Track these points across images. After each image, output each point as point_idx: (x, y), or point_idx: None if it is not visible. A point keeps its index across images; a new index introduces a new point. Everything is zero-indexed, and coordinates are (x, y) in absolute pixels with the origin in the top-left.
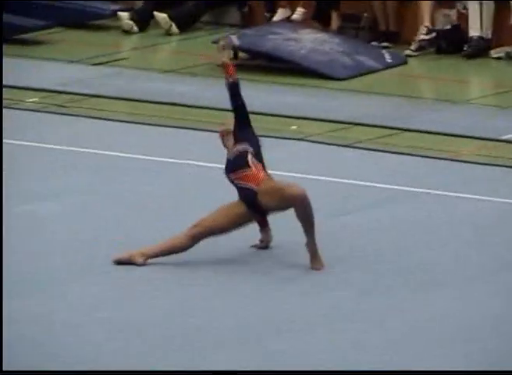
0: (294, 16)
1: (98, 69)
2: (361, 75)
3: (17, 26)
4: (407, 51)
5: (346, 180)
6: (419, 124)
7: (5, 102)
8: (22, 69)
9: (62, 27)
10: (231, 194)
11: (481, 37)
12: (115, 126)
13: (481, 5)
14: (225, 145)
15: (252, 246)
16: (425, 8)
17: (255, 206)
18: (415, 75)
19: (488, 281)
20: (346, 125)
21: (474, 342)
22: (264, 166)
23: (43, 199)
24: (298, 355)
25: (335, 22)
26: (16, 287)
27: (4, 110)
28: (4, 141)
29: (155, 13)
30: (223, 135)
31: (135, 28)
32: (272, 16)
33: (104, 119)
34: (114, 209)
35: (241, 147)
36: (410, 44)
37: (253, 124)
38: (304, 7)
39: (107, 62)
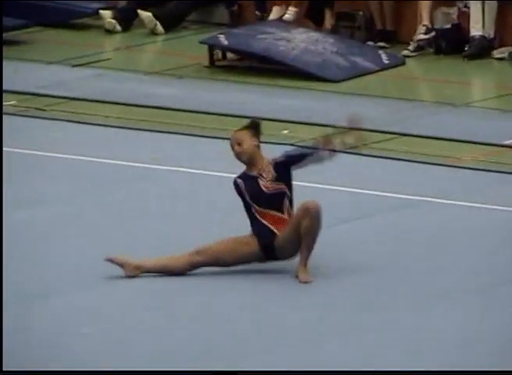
0: (286, 16)
1: (79, 71)
2: (356, 77)
3: None
4: (405, 52)
5: (342, 188)
6: (418, 129)
7: None
8: None
9: (41, 26)
10: (226, 202)
11: (483, 37)
12: (98, 130)
13: (483, 3)
14: (240, 155)
15: None
16: (424, 6)
17: (269, 249)
18: (413, 76)
19: (495, 293)
20: (341, 129)
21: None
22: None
23: (19, 207)
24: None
25: (329, 21)
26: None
27: None
28: None
29: (139, 12)
30: (246, 146)
31: (118, 27)
32: (264, 15)
33: (86, 123)
34: (99, 219)
35: (279, 186)
36: (408, 44)
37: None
38: (295, 6)
39: (88, 64)
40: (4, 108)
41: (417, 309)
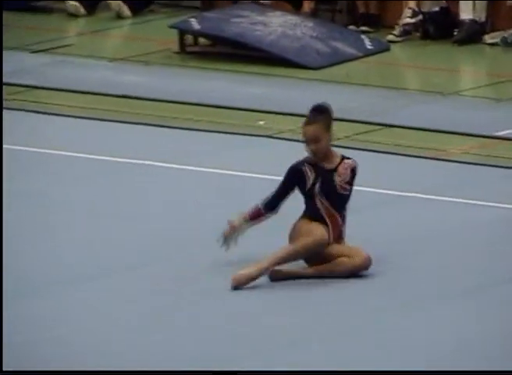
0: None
1: (40, 57)
2: (338, 63)
3: None
4: (390, 37)
5: None
6: (404, 119)
7: None
8: None
9: None
10: (194, 197)
11: (473, 21)
12: (63, 121)
13: None
14: (317, 152)
15: None
16: None
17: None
18: (399, 63)
19: (492, 292)
20: None
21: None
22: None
23: None
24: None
25: (308, 3)
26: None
27: None
28: None
29: None
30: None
31: (82, 11)
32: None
33: (50, 113)
34: (67, 217)
35: (348, 189)
36: (393, 28)
37: (214, 119)
38: None
39: (50, 50)
40: None
41: (411, 309)
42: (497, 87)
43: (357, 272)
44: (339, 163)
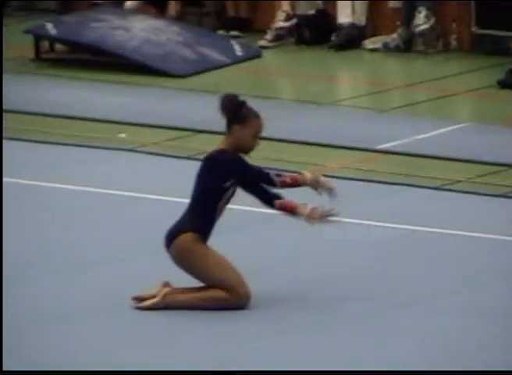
0: (127, 3)
1: None
2: (205, 71)
3: None
4: (262, 42)
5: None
6: (277, 132)
7: None
8: None
9: None
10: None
11: (352, 24)
12: None
13: None
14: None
15: None
16: None
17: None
18: (271, 71)
19: (374, 318)
20: (187, 132)
21: None
22: None
23: None
24: None
25: (173, 6)
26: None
27: None
28: None
29: None
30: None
31: None
32: (98, 0)
33: None
34: None
35: None
36: (265, 32)
37: (71, 131)
38: None
39: None
40: None
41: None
42: (378, 97)
43: (234, 303)
44: None
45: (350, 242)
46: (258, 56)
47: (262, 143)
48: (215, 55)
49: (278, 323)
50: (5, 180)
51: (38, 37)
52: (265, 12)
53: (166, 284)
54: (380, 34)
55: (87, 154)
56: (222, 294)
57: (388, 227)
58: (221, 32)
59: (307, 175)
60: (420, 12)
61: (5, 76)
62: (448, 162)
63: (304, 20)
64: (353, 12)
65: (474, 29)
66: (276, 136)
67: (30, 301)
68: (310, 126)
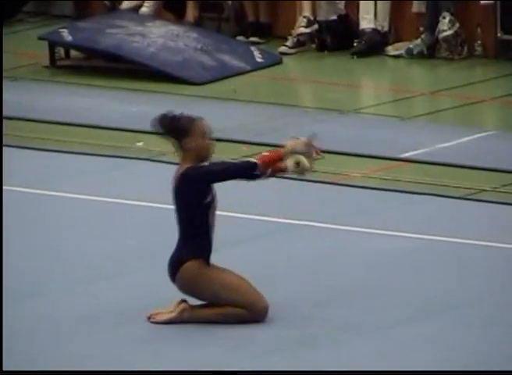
0: (143, 9)
1: None
2: (224, 78)
3: None
4: (282, 48)
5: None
6: None
7: None
8: None
9: None
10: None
11: (375, 30)
12: None
13: None
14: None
15: None
16: None
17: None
18: (292, 78)
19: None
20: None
21: None
22: None
23: None
24: None
25: (191, 11)
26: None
27: None
28: None
29: None
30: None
31: None
32: (114, 5)
33: None
34: None
35: None
36: (285, 39)
37: (87, 140)
38: None
39: None
40: None
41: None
42: (401, 104)
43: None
44: None
45: (372, 252)
46: (279, 63)
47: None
48: (235, 62)
49: (295, 335)
50: (18, 189)
51: (53, 43)
52: (286, 17)
53: (182, 301)
54: (403, 40)
55: (103, 163)
56: (240, 310)
57: (411, 237)
58: (240, 38)
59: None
60: (444, 18)
61: (19, 84)
62: (472, 171)
63: (325, 26)
64: (376, 17)
65: (499, 34)
66: None
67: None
68: (331, 134)
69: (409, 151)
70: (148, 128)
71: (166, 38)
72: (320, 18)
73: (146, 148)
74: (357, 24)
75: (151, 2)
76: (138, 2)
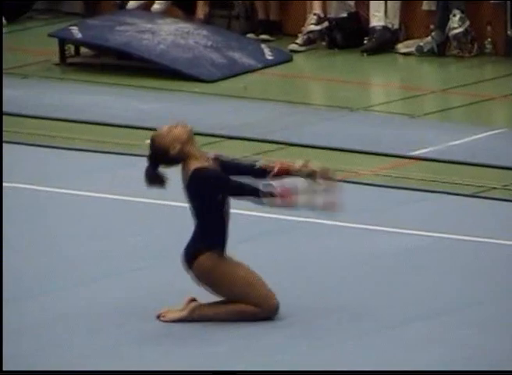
0: (154, 7)
1: None
2: (234, 75)
3: None
4: (293, 46)
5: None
6: (307, 137)
7: None
8: None
9: None
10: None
11: (385, 28)
12: None
13: None
14: None
15: None
16: None
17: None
18: (302, 75)
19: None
20: (217, 139)
21: None
22: None
23: None
24: None
25: (201, 9)
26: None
27: None
28: None
29: None
30: None
31: None
32: (124, 3)
33: None
34: None
35: None
36: (296, 36)
37: (97, 137)
38: None
39: None
40: None
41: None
42: (411, 102)
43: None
44: None
45: (381, 250)
46: (289, 60)
47: (292, 149)
48: (245, 59)
49: (301, 333)
50: (26, 186)
51: (63, 40)
52: (296, 14)
53: (192, 300)
54: (413, 38)
55: (112, 160)
56: (251, 308)
57: (420, 235)
58: (250, 35)
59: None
60: (454, 15)
61: (29, 81)
62: (482, 169)
63: (335, 23)
64: (386, 15)
65: (509, 32)
66: (307, 142)
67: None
68: (341, 132)
69: (418, 149)
70: (158, 125)
71: (176, 36)
72: (330, 15)
73: None
74: (368, 22)
75: (162, 1)
76: (144, 2)
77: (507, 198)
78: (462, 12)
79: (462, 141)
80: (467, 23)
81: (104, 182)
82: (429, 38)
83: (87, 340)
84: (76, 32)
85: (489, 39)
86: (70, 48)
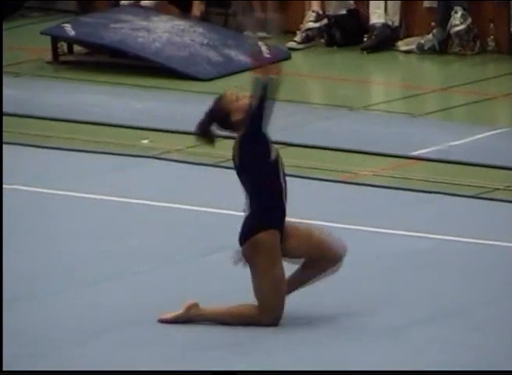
0: (143, 2)
1: None
2: (231, 74)
3: None
4: (291, 44)
5: (215, 210)
6: (306, 137)
7: None
8: None
9: None
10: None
11: (385, 25)
12: None
13: None
14: None
15: None
16: None
17: None
18: (301, 73)
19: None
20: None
21: None
22: None
23: None
24: None
25: (197, 6)
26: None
27: None
28: None
29: None
30: None
31: None
32: (118, 0)
33: None
34: None
35: None
36: (294, 33)
37: (91, 137)
38: None
39: None
40: None
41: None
42: (412, 101)
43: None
44: None
45: (381, 252)
46: (287, 58)
47: (291, 149)
48: (242, 58)
49: (301, 333)
50: (23, 188)
51: (56, 38)
52: (294, 12)
53: (192, 304)
54: (414, 35)
55: (107, 161)
56: (252, 313)
57: (421, 237)
58: (247, 33)
59: None
60: (456, 12)
61: (21, 80)
62: (485, 169)
63: (335, 21)
64: (386, 12)
65: None
66: (305, 141)
67: (44, 313)
68: (341, 132)
69: (420, 149)
70: (154, 125)
71: (172, 33)
72: (329, 12)
73: (151, 146)
74: (367, 19)
75: None
76: None
77: (510, 199)
78: (464, 9)
79: (464, 140)
80: (469, 20)
81: (98, 183)
82: (430, 36)
83: (88, 340)
84: (69, 29)
85: (492, 37)
86: (63, 46)
